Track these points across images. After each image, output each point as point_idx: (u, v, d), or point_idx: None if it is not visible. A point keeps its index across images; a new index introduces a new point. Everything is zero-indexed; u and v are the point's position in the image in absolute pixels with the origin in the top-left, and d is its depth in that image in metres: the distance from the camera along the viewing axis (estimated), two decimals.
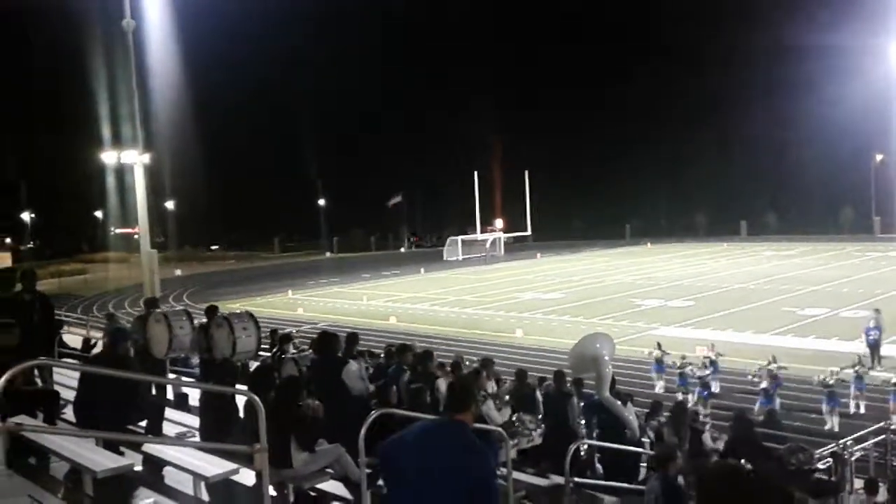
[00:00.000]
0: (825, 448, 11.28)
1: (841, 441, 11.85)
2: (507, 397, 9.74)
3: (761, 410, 16.93)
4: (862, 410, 17.27)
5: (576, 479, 8.52)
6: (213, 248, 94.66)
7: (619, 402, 9.96)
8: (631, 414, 10.27)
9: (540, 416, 10.32)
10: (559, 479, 8.60)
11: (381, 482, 6.35)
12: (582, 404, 10.94)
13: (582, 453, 10.33)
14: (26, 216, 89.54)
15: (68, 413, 8.06)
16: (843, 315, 28.71)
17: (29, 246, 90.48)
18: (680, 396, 18.71)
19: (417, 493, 4.14)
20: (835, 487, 9.74)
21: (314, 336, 10.45)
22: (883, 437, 13.39)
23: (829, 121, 65.32)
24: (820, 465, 10.04)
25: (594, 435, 10.58)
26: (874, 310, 22.56)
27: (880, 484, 9.28)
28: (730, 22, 79.15)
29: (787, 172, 75.81)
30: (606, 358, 10.05)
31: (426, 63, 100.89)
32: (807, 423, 16.81)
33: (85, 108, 56.64)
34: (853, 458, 11.21)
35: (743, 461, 8.34)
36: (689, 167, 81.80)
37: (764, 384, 17.19)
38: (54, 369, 9.62)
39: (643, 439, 10.76)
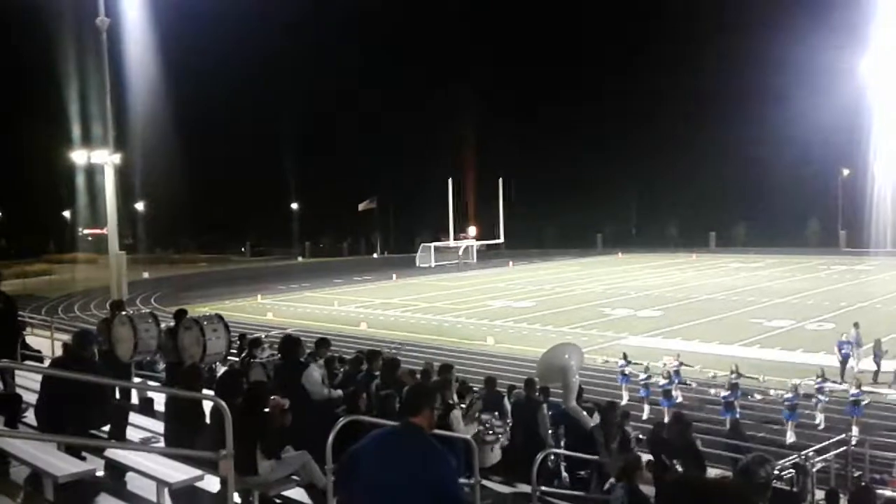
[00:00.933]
0: (787, 459, 11.43)
1: (803, 452, 12.02)
2: (477, 414, 9.66)
3: (728, 422, 17.17)
4: (821, 425, 17.48)
5: (542, 488, 8.55)
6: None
7: (584, 413, 10.02)
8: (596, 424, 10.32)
9: (509, 422, 10.36)
10: (526, 488, 8.63)
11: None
12: (550, 413, 10.99)
13: (549, 463, 10.37)
14: None
15: (29, 416, 7.93)
16: (808, 327, 29.15)
17: None
18: (646, 407, 18.96)
19: (380, 501, 4.13)
20: (796, 499, 9.88)
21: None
22: (844, 448, 13.61)
23: (797, 135, 66.37)
24: (782, 475, 10.19)
25: (562, 444, 10.62)
26: (853, 324, 22.78)
27: (841, 495, 9.41)
28: (701, 36, 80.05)
29: (756, 185, 76.78)
30: (574, 368, 10.10)
31: (402, 68, 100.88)
32: (770, 434, 17.04)
33: (56, 106, 55.92)
34: (815, 469, 11.39)
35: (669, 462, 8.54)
36: (661, 179, 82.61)
37: (724, 394, 17.40)
38: (16, 372, 9.47)
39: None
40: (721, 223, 78.19)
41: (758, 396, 18.43)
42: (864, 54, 50.11)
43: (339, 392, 9.06)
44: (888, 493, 10.21)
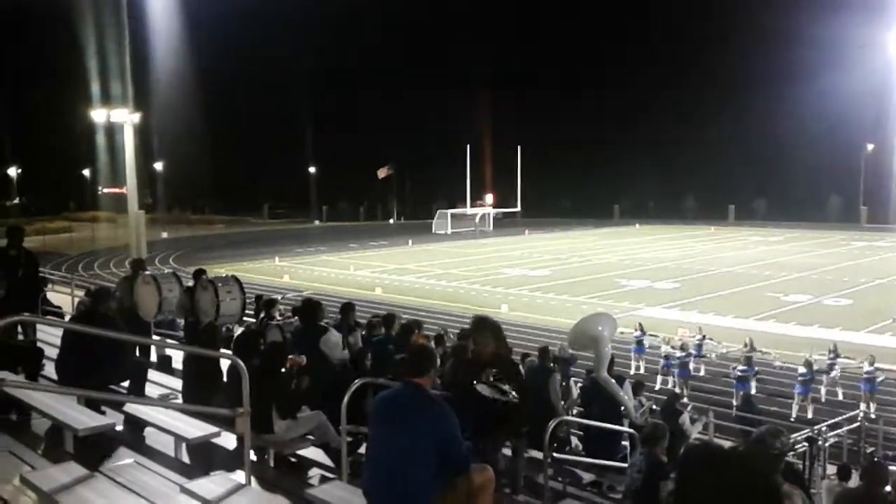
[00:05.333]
0: (800, 433, 11.44)
1: (816, 427, 12.03)
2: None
3: (741, 396, 17.19)
4: (840, 398, 17.52)
5: (554, 455, 8.61)
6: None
7: (614, 382, 10.03)
8: (627, 394, 10.35)
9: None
10: (538, 455, 8.69)
11: (362, 450, 6.44)
12: (580, 384, 11.09)
13: (560, 433, 10.42)
14: (12, 171, 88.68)
15: (50, 370, 8.06)
16: (825, 303, 28.98)
17: (14, 202, 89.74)
18: (660, 378, 19.02)
19: (390, 458, 4.31)
20: (805, 478, 9.90)
21: (297, 304, 10.48)
22: (857, 424, 13.60)
23: (822, 110, 65.43)
24: (795, 448, 10.20)
25: (596, 413, 10.65)
26: None
27: (853, 470, 9.42)
28: (725, 7, 78.72)
29: (778, 159, 75.93)
30: (607, 338, 10.08)
31: (423, 35, 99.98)
32: (782, 409, 17.05)
33: (76, 64, 55.79)
34: (827, 445, 11.40)
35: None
36: (680, 150, 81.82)
37: (742, 367, 17.39)
38: (37, 326, 9.61)
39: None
40: (741, 196, 77.47)
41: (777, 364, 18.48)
42: (890, 28, 49.02)
43: (346, 354, 9.07)
44: None
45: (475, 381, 6.42)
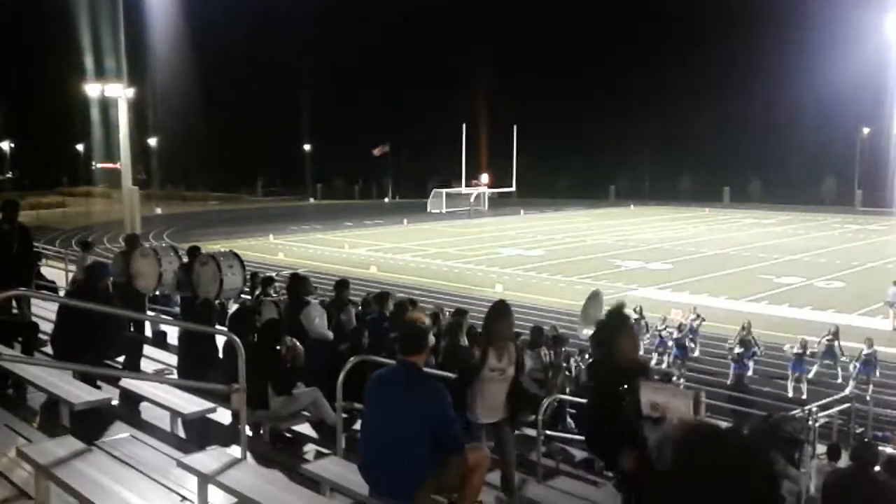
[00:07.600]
0: (791, 413, 11.53)
1: (806, 407, 12.13)
2: None
3: (733, 376, 17.29)
4: (839, 380, 17.49)
5: (547, 433, 8.67)
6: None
7: None
8: None
9: None
10: (531, 432, 8.76)
11: (356, 426, 6.47)
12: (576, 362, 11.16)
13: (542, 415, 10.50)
14: (5, 145, 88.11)
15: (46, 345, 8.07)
16: (818, 285, 29.10)
17: (7, 176, 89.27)
18: (658, 359, 19.11)
19: (385, 436, 4.36)
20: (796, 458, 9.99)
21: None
22: (847, 405, 13.70)
23: (818, 92, 65.24)
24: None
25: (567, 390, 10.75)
26: (894, 282, 22.70)
27: (842, 451, 9.50)
28: None
29: (773, 141, 75.83)
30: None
31: (420, 14, 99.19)
32: (777, 389, 17.17)
33: (71, 38, 55.28)
34: (817, 425, 11.49)
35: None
36: (676, 132, 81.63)
37: (738, 350, 17.44)
38: (32, 301, 9.60)
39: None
40: (736, 178, 77.45)
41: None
42: (889, 10, 48.71)
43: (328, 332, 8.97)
44: (889, 450, 10.30)
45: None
